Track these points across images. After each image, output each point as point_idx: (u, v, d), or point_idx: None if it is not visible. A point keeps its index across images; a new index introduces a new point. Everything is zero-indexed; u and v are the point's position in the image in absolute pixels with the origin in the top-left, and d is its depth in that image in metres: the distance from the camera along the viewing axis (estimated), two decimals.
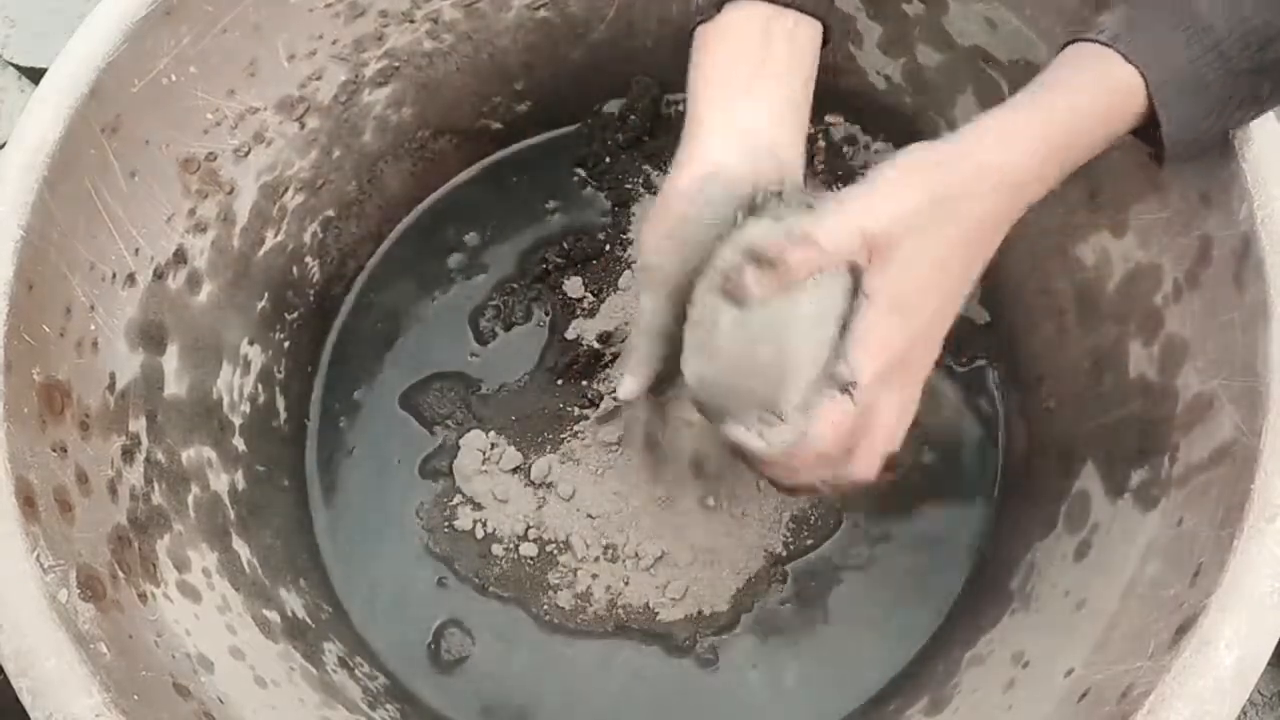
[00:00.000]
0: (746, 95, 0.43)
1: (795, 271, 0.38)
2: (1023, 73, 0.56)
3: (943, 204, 0.39)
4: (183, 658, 0.45)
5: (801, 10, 0.44)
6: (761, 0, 0.43)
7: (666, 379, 0.48)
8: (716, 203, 0.42)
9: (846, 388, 0.39)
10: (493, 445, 0.64)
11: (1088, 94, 0.41)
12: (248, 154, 0.57)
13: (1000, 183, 0.39)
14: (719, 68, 0.44)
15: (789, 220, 0.40)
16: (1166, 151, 0.41)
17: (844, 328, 0.39)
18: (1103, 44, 0.41)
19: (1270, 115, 0.43)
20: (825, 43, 0.46)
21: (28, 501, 0.40)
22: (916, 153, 0.40)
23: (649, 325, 0.45)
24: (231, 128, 0.55)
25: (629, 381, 0.48)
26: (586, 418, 0.64)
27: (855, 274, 0.39)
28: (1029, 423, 0.62)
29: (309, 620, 0.57)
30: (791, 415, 0.40)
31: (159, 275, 0.52)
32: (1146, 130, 0.42)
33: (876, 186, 0.39)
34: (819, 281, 0.39)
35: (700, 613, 0.60)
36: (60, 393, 0.44)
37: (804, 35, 0.44)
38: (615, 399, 0.47)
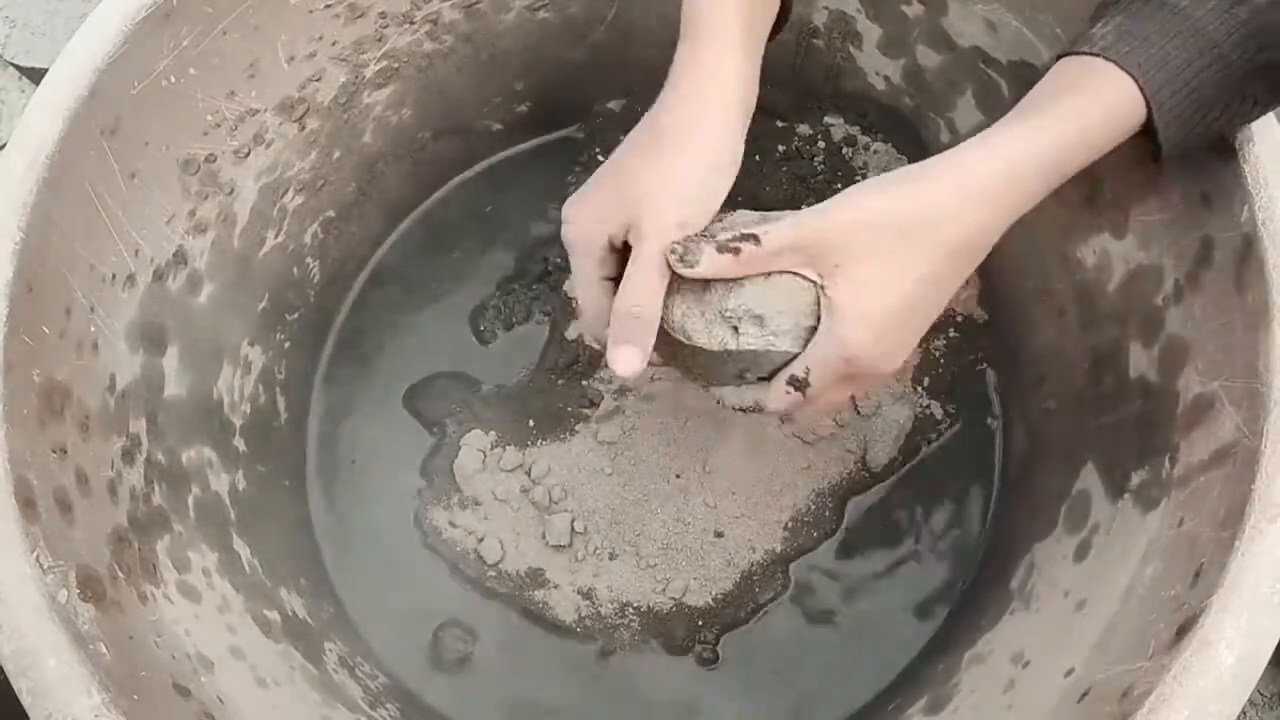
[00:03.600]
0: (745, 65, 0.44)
1: (743, 264, 0.41)
2: (1023, 73, 0.56)
3: (910, 228, 0.40)
4: (183, 658, 0.45)
5: None
6: None
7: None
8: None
9: (798, 386, 0.44)
10: (493, 445, 0.64)
11: (1080, 106, 0.41)
12: (248, 155, 0.57)
13: (982, 201, 0.40)
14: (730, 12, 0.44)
15: (744, 216, 0.44)
16: (1164, 151, 0.42)
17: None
18: (1094, 55, 0.41)
19: (1270, 117, 0.43)
20: (778, 29, 0.47)
21: (27, 502, 0.40)
22: (886, 178, 0.41)
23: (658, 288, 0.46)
24: (231, 129, 0.55)
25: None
26: (587, 418, 0.64)
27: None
28: (1029, 423, 0.62)
29: (309, 620, 0.57)
30: (760, 387, 0.46)
31: (159, 276, 0.52)
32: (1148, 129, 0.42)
33: (829, 206, 0.41)
34: (787, 286, 0.42)
35: (700, 611, 0.60)
36: (60, 394, 0.44)
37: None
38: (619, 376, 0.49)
